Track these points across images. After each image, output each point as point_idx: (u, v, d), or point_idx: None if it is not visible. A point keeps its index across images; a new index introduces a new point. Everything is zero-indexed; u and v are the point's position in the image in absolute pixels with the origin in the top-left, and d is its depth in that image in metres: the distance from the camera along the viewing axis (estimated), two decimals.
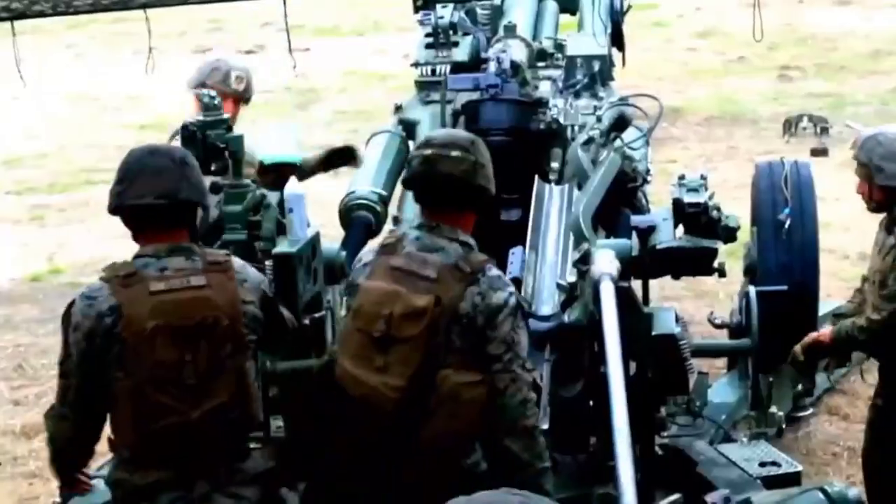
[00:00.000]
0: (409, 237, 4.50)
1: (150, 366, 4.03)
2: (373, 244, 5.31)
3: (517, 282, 5.46)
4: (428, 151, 4.48)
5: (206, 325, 4.09)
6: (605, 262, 5.14)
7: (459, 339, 4.31)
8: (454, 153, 4.44)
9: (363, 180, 6.72)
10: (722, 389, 6.72)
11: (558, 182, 6.37)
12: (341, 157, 6.97)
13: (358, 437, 4.42)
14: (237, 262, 4.37)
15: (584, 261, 5.28)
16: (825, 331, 5.83)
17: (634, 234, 5.74)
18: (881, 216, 5.62)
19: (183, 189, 4.25)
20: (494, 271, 4.46)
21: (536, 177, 6.29)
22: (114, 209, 4.29)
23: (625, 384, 4.40)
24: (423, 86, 7.37)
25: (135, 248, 4.30)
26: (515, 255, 5.62)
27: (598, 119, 6.23)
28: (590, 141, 6.14)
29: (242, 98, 6.76)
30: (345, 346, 4.49)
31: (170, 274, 4.14)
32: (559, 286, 5.44)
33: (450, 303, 4.30)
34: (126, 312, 4.05)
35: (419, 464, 4.31)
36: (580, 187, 6.09)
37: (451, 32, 7.49)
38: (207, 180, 6.04)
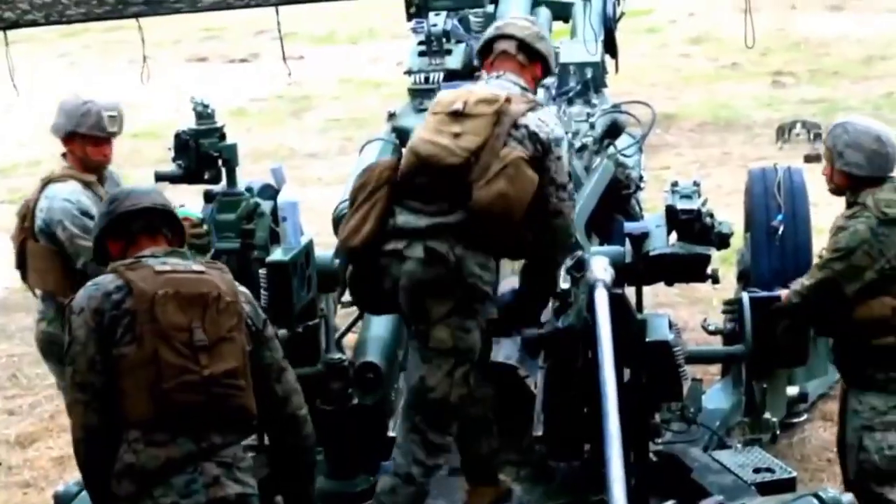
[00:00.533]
0: (481, 82, 5.38)
1: (163, 328, 4.13)
2: None
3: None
4: (500, 22, 5.55)
5: (211, 297, 4.24)
6: (600, 268, 5.15)
7: (521, 141, 5.02)
8: (521, 22, 5.46)
9: None
10: (716, 396, 6.72)
11: None
12: None
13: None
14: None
15: (577, 267, 5.30)
16: (785, 293, 5.94)
17: (628, 241, 5.74)
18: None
19: (157, 196, 4.45)
20: (554, 117, 5.25)
21: None
22: (104, 226, 4.39)
23: (619, 391, 4.41)
24: (416, 93, 7.38)
25: None
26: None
27: (591, 126, 6.24)
28: (583, 148, 6.15)
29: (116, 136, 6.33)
30: (420, 128, 5.26)
31: (171, 264, 4.27)
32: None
33: (515, 110, 5.05)
34: (134, 287, 4.16)
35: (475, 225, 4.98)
36: None
37: (444, 40, 7.50)
38: (201, 189, 6.08)
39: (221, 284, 4.30)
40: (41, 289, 6.22)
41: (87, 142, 6.13)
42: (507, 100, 5.08)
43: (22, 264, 6.24)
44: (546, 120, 5.11)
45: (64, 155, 6.24)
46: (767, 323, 6.09)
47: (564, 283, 5.45)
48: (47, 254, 6.11)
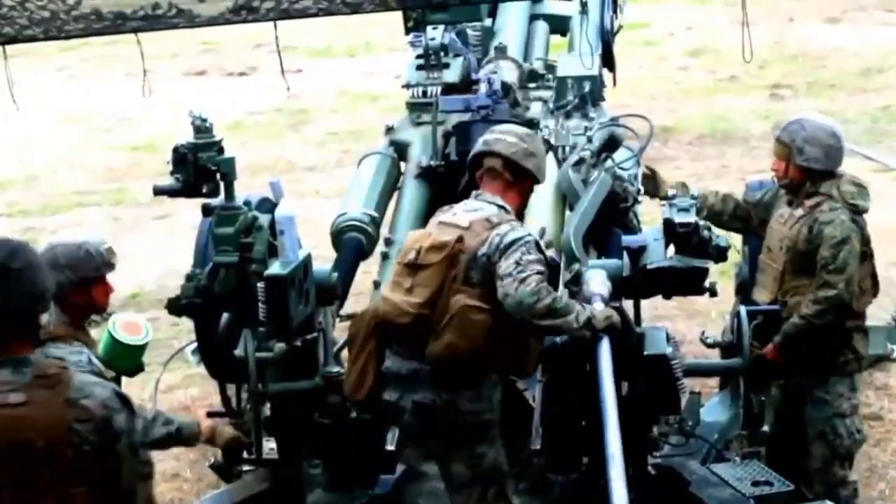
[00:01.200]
0: (461, 203, 5.34)
1: None
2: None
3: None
4: (490, 136, 5.41)
5: (17, 448, 3.71)
6: (598, 282, 5.16)
7: (476, 275, 5.05)
8: (510, 138, 5.35)
9: (355, 202, 6.72)
10: (714, 408, 6.73)
11: None
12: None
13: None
14: (80, 378, 3.92)
15: (575, 281, 5.30)
16: (768, 348, 6.14)
17: (626, 254, 5.75)
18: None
19: (13, 300, 3.82)
20: (521, 225, 5.18)
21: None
22: None
23: (617, 404, 4.42)
24: (414, 107, 7.38)
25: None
26: None
27: (589, 140, 6.24)
28: (580, 162, 6.16)
29: None
30: (388, 278, 5.44)
31: None
32: None
33: (473, 243, 5.07)
34: None
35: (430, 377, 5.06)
36: (571, 208, 6.10)
37: (441, 54, 7.50)
38: (199, 202, 6.07)
39: (40, 420, 3.69)
40: None
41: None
42: (460, 239, 5.10)
43: None
44: (505, 231, 5.09)
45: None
46: (765, 336, 6.12)
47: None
48: None
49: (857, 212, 6.05)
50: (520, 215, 5.42)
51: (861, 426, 6.19)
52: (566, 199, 6.28)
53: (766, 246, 6.29)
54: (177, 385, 8.19)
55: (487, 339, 4.98)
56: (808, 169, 6.04)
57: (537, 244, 5.10)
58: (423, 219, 6.67)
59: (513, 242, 5.02)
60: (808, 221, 6.04)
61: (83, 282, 5.24)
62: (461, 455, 5.15)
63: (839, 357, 6.05)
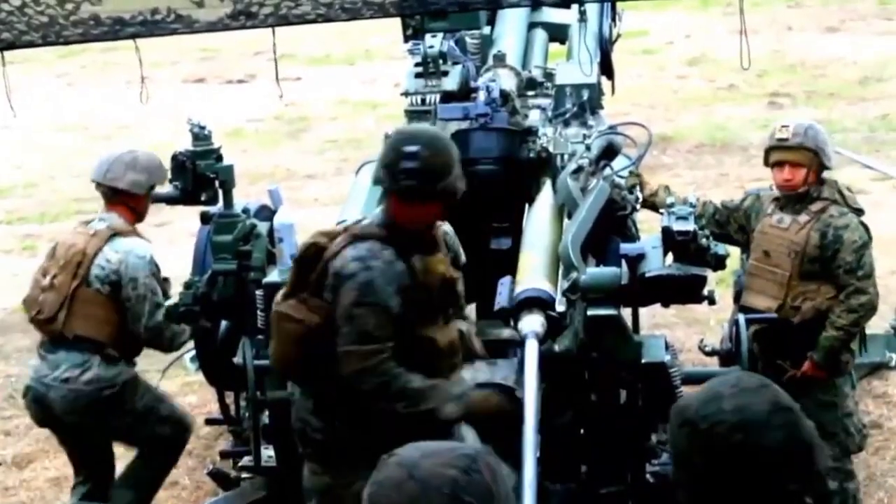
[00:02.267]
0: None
1: None
2: None
3: (506, 312, 5.47)
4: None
5: None
6: (532, 322, 5.19)
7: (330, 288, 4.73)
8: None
9: (353, 209, 6.71)
10: None
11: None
12: None
13: None
14: None
15: (573, 290, 5.30)
16: (807, 366, 6.06)
17: (624, 262, 5.75)
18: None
19: None
20: (368, 244, 4.77)
21: (527, 206, 6.30)
22: None
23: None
24: (412, 115, 7.38)
25: None
26: (504, 284, 5.63)
27: (588, 148, 6.24)
28: (579, 170, 6.16)
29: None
30: None
31: None
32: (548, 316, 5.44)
33: (329, 253, 4.73)
34: None
35: None
36: (569, 216, 6.10)
37: (440, 62, 7.50)
38: (197, 210, 6.08)
39: None
40: (89, 335, 6.23)
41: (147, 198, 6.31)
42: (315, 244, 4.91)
43: (64, 308, 6.24)
44: (345, 255, 4.81)
45: (112, 208, 6.30)
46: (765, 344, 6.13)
47: (560, 306, 5.45)
48: (105, 303, 6.18)
49: (859, 214, 6.11)
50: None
51: (862, 420, 6.43)
52: (564, 209, 6.27)
53: (760, 251, 6.33)
54: (175, 392, 8.18)
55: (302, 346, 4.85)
56: (823, 171, 6.13)
57: (371, 288, 4.76)
58: None
59: (347, 277, 4.76)
60: (818, 226, 6.07)
61: (151, 189, 6.00)
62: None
63: (842, 359, 6.12)
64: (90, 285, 6.17)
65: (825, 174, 6.22)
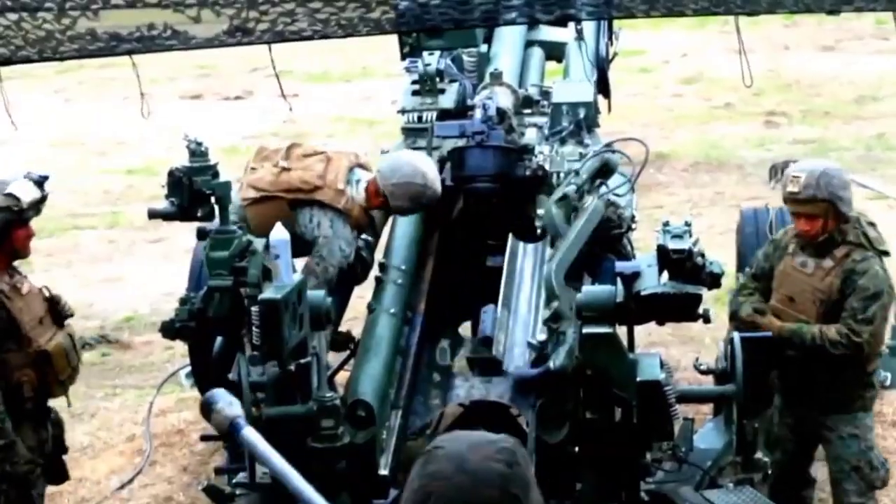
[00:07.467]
0: None
1: None
2: None
3: (489, 340, 5.48)
4: None
5: None
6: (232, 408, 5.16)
7: None
8: None
9: None
10: (707, 435, 6.71)
11: (543, 230, 6.39)
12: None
13: None
14: None
15: (555, 319, 5.31)
16: (774, 322, 6.11)
17: (619, 280, 5.75)
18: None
19: None
20: None
21: (510, 234, 6.31)
22: None
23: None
24: (409, 132, 7.40)
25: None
26: (487, 313, 5.64)
27: (576, 173, 6.24)
28: (564, 198, 6.15)
29: None
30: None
31: None
32: (530, 344, 5.45)
33: None
34: None
35: None
36: (552, 244, 6.10)
37: (437, 79, 7.52)
38: (194, 226, 6.08)
39: None
40: None
41: None
42: None
43: None
44: None
45: None
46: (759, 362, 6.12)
47: (541, 335, 5.46)
48: None
49: (883, 255, 5.99)
50: None
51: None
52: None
53: (781, 294, 6.22)
54: (170, 408, 8.17)
55: None
56: (844, 215, 5.93)
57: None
58: (418, 244, 6.68)
59: None
60: (841, 273, 5.98)
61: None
62: None
63: (867, 394, 6.13)
64: None
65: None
